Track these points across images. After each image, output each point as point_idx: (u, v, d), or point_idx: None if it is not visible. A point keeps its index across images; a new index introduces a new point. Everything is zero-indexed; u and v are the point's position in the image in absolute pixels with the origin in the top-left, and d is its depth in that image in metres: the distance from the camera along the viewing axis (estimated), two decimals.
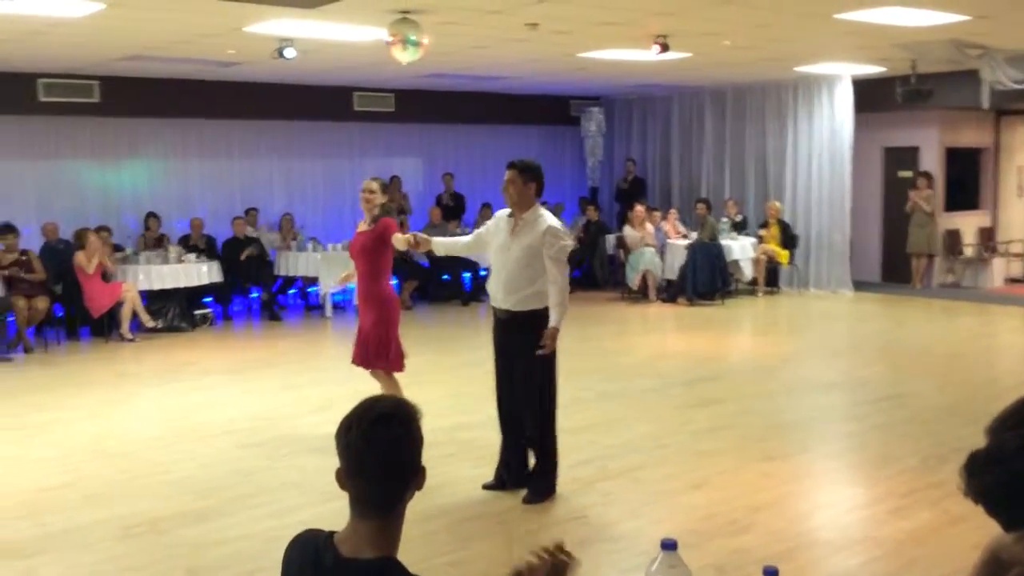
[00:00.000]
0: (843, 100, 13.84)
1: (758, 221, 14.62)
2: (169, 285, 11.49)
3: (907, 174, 14.72)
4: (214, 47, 9.70)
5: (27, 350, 10.35)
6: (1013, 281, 15.02)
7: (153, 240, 12.29)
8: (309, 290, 13.35)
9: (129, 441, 6.91)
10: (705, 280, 13.26)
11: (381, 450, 1.92)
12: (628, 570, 4.50)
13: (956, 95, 12.56)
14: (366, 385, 6.12)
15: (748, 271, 14.02)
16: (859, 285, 14.27)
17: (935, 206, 14.30)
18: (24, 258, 10.64)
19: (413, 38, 7.77)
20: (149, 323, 11.17)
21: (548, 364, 5.39)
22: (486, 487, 5.66)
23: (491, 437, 5.83)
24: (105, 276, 11.04)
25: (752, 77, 13.79)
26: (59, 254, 11.19)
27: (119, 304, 10.94)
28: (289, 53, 9.29)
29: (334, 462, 1.98)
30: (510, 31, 8.91)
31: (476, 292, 13.38)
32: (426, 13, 7.74)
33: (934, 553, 4.72)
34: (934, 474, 5.84)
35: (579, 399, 7.65)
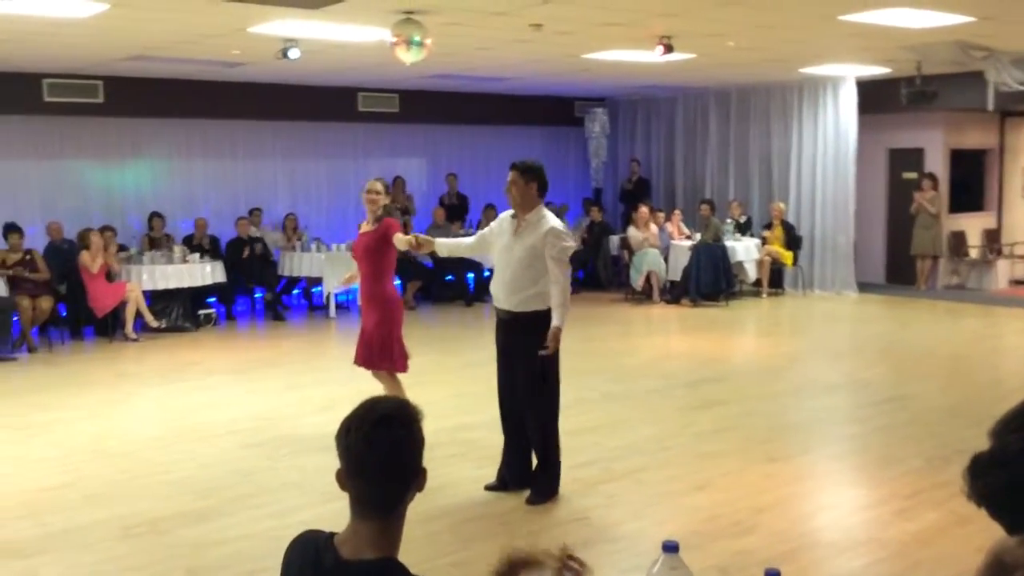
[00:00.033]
0: (847, 101, 13.82)
1: (762, 222, 14.59)
2: (173, 285, 11.49)
3: (912, 175, 14.69)
4: (218, 47, 9.70)
5: (31, 350, 10.36)
6: (1018, 283, 14.98)
7: (157, 240, 12.29)
8: (313, 290, 13.36)
9: (130, 441, 6.91)
10: (709, 281, 13.24)
11: (382, 452, 1.91)
12: (629, 570, 4.49)
13: (961, 96, 12.54)
14: (369, 385, 6.12)
15: (752, 272, 13.99)
16: (863, 287, 14.25)
17: (940, 208, 14.27)
18: (28, 258, 10.67)
19: (417, 39, 7.77)
20: (153, 323, 11.18)
21: (550, 365, 5.38)
22: (488, 488, 5.65)
23: (494, 438, 5.82)
24: (109, 276, 11.05)
25: (756, 78, 13.77)
26: (63, 254, 11.21)
27: (123, 304, 10.96)
28: (293, 54, 9.30)
29: (335, 462, 1.97)
30: (514, 32, 8.90)
31: (480, 292, 13.37)
32: (430, 14, 7.74)
33: (939, 555, 4.70)
34: (938, 475, 5.82)
35: (583, 400, 7.64)
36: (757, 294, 14.11)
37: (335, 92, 13.79)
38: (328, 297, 12.56)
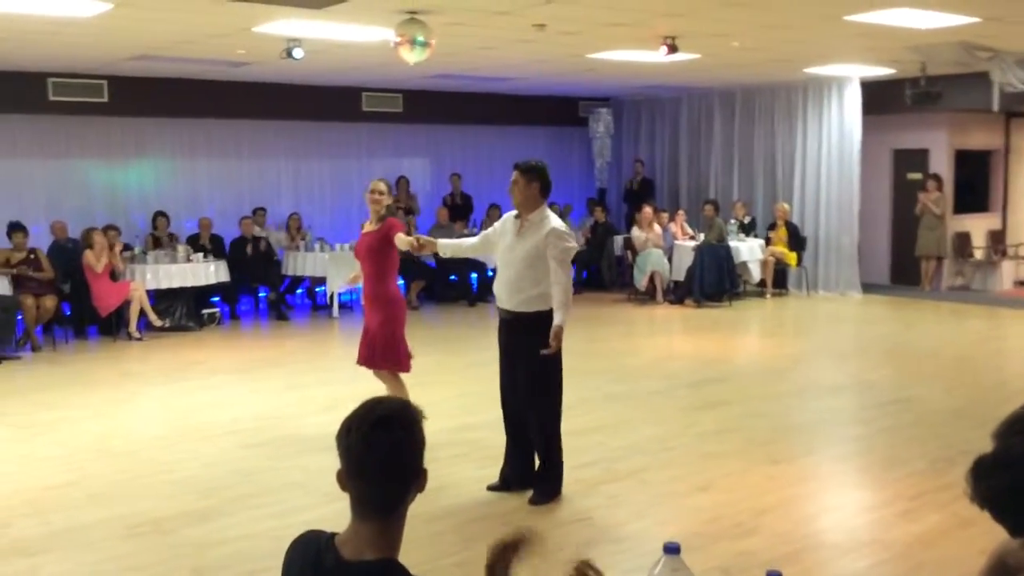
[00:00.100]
0: (852, 102, 13.80)
1: (766, 223, 14.58)
2: (177, 284, 11.51)
3: (916, 176, 14.67)
4: (222, 47, 9.71)
5: (35, 348, 10.38)
6: (1022, 284, 14.95)
7: (161, 239, 12.31)
8: (316, 290, 13.37)
9: (134, 440, 6.92)
10: (713, 282, 13.23)
11: (381, 453, 1.91)
12: (632, 571, 4.48)
13: (966, 97, 12.51)
14: (372, 385, 6.12)
15: (756, 273, 13.98)
16: (868, 287, 14.23)
17: (944, 208, 14.25)
18: (32, 257, 10.69)
19: (421, 39, 7.77)
20: (157, 322, 11.19)
21: (553, 365, 5.38)
22: (490, 488, 5.64)
23: (497, 438, 5.82)
24: (113, 275, 11.06)
25: (761, 78, 13.75)
26: (68, 253, 11.23)
27: (127, 303, 10.97)
28: (297, 53, 9.30)
29: (337, 463, 1.97)
30: (518, 32, 8.90)
31: (483, 292, 13.36)
32: (433, 14, 7.74)
33: (942, 557, 4.69)
34: (942, 477, 5.81)
35: (585, 400, 7.63)
36: (761, 295, 14.09)
37: (339, 92, 13.80)
38: (332, 297, 12.57)
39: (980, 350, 10.48)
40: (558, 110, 16.16)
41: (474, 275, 13.73)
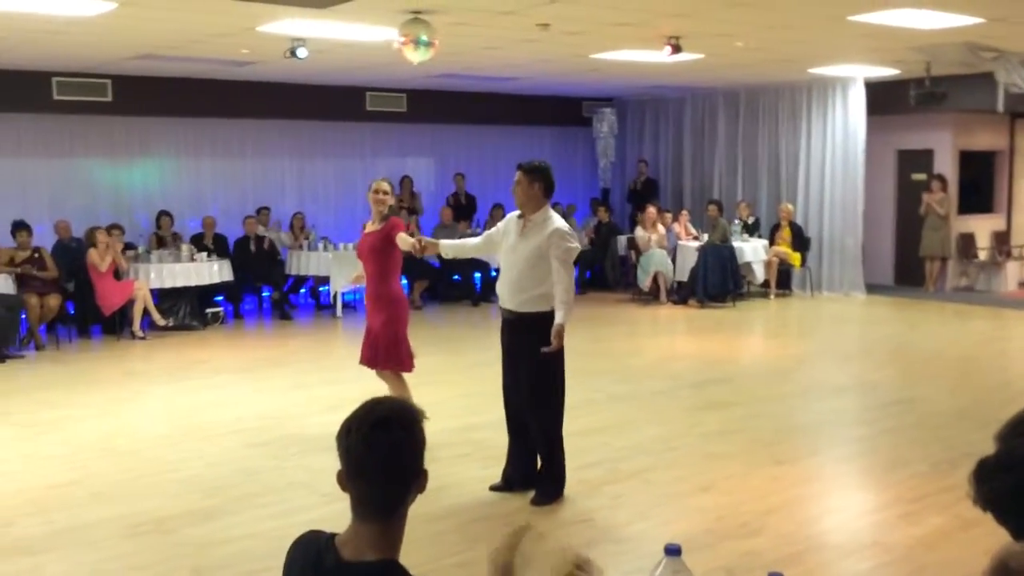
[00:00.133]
0: (856, 102, 13.78)
1: (770, 223, 14.56)
2: (180, 283, 11.52)
3: (921, 177, 14.65)
4: (226, 47, 9.72)
5: (39, 347, 10.40)
6: None
7: (165, 239, 12.32)
8: (320, 289, 13.38)
9: (137, 439, 6.93)
10: (716, 282, 13.22)
11: (381, 454, 1.91)
12: (634, 572, 4.47)
13: (970, 98, 12.49)
14: (376, 385, 6.12)
15: (760, 273, 13.96)
16: (871, 288, 14.21)
17: (949, 209, 14.23)
18: (36, 256, 10.70)
19: (424, 38, 7.77)
20: (160, 321, 11.20)
21: (555, 365, 5.37)
22: (493, 488, 5.63)
23: (500, 438, 5.81)
24: (117, 274, 11.08)
25: (765, 79, 13.74)
26: (71, 252, 11.24)
27: (131, 302, 10.98)
28: (301, 53, 9.31)
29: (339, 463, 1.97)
30: (522, 32, 8.90)
31: (487, 292, 13.36)
32: (437, 13, 7.74)
33: (944, 559, 4.68)
34: (945, 479, 5.80)
35: (589, 401, 7.63)
36: (765, 295, 14.08)
37: (343, 91, 13.80)
38: (335, 296, 12.58)
39: (984, 351, 10.46)
40: (562, 110, 16.16)
41: (478, 275, 13.73)
